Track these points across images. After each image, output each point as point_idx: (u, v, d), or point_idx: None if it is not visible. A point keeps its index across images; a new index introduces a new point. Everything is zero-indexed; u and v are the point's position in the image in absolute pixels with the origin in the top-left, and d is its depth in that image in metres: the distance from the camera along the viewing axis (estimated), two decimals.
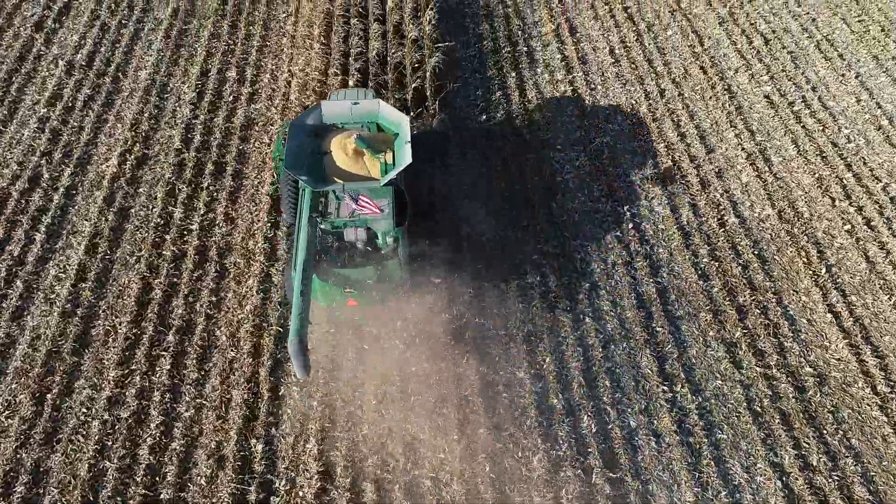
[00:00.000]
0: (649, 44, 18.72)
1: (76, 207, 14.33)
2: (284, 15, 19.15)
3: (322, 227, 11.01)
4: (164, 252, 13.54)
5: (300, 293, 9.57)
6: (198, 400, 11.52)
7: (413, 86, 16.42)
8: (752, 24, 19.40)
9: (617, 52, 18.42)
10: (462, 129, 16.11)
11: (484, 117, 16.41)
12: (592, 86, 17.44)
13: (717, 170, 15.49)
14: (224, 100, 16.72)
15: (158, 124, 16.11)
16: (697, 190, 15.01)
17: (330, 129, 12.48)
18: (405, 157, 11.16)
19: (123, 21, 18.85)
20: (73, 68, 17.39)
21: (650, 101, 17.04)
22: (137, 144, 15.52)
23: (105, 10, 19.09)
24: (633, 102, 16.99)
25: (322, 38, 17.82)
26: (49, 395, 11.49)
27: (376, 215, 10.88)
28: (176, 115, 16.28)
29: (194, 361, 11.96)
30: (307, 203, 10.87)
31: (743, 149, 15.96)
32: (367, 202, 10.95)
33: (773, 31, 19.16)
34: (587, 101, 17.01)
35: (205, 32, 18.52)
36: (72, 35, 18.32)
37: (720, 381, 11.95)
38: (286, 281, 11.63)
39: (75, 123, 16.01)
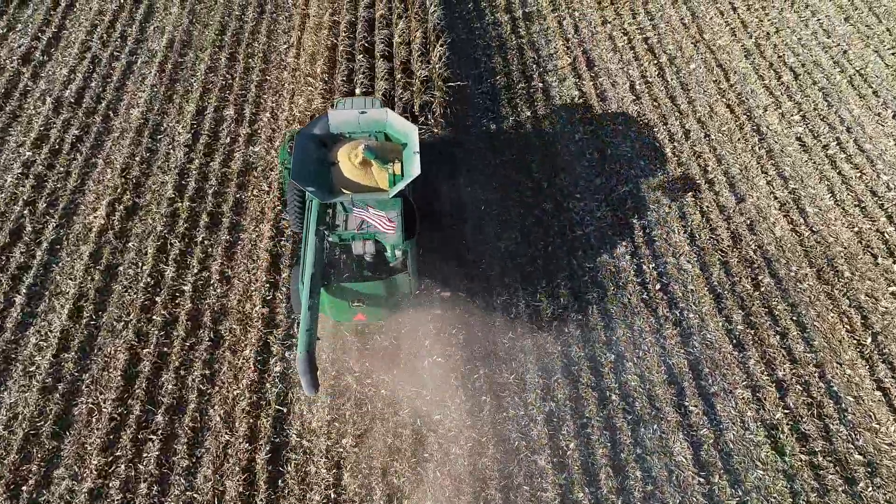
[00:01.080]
0: (672, 78, 17.65)
1: (60, 265, 13.31)
2: (285, 46, 18.12)
3: (330, 239, 10.75)
4: (153, 317, 12.52)
5: (308, 308, 9.36)
6: (188, 493, 10.49)
7: (419, 125, 15.41)
8: (779, 56, 18.34)
9: (638, 87, 17.36)
10: (474, 171, 15.08)
11: (497, 161, 15.37)
12: (612, 125, 16.38)
13: (748, 222, 14.43)
14: (221, 141, 15.69)
15: (150, 169, 15.09)
16: (728, 245, 13.95)
17: (337, 138, 12.17)
18: (414, 168, 10.90)
19: (116, 53, 17.83)
20: (62, 106, 16.38)
21: (674, 144, 15.98)
22: (127, 192, 14.50)
23: (97, 40, 18.08)
24: (657, 145, 15.93)
25: (325, 75, 16.77)
26: (25, 488, 10.48)
27: (388, 231, 10.57)
28: (169, 159, 15.26)
29: (185, 447, 10.93)
30: (314, 215, 10.68)
31: (775, 197, 14.90)
32: (375, 217, 10.66)
33: (803, 65, 18.09)
34: (605, 141, 15.95)
35: (201, 66, 17.50)
36: (61, 68, 17.31)
37: (761, 471, 10.90)
38: (292, 293, 11.28)
39: (62, 168, 15.00)
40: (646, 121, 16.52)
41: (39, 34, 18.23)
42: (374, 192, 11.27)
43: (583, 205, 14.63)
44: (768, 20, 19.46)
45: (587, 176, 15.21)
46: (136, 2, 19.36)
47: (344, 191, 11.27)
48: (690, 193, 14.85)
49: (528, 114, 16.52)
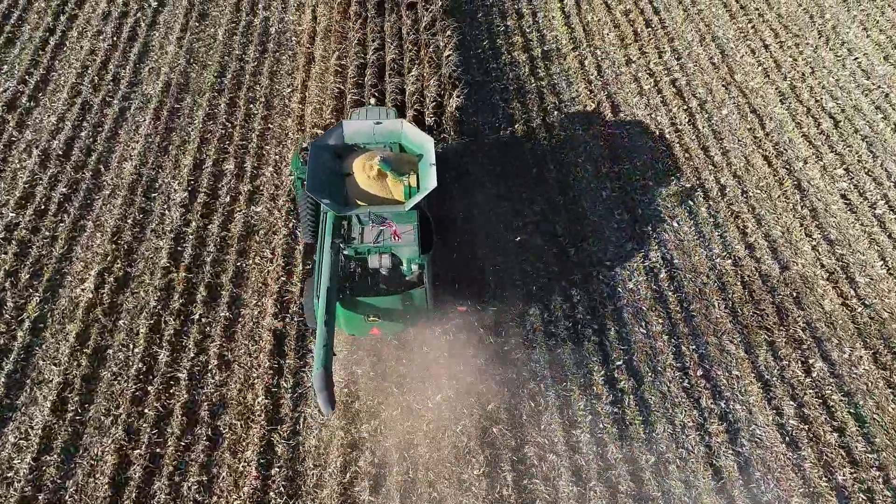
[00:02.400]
0: (703, 126, 16.48)
1: (44, 347, 12.14)
2: (289, 90, 16.94)
3: (346, 252, 10.62)
4: (145, 410, 11.34)
5: (324, 323, 9.25)
6: None
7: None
8: (817, 100, 17.16)
9: (668, 136, 16.19)
10: (493, 233, 13.92)
11: (518, 223, 14.19)
12: (642, 181, 15.21)
13: (794, 294, 13.27)
14: (220, 200, 14.52)
15: (144, 233, 13.92)
16: (774, 322, 12.78)
17: (351, 149, 11.97)
18: (430, 180, 10.73)
19: (108, 97, 16.65)
20: (49, 158, 15.21)
21: (710, 203, 14.80)
22: (118, 260, 13.33)
23: (87, 84, 16.91)
24: (691, 203, 14.76)
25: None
26: None
27: (396, 241, 10.57)
28: (164, 221, 14.09)
29: None
30: (329, 227, 10.59)
31: (822, 265, 13.73)
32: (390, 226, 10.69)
33: (842, 110, 16.92)
34: (635, 199, 14.78)
35: (199, 112, 16.32)
36: (48, 116, 16.13)
37: None
38: (306, 305, 11.25)
39: (47, 232, 13.83)
40: (677, 174, 15.35)
41: (27, 76, 17.05)
42: (390, 204, 11.07)
43: (613, 274, 13.46)
44: (803, 59, 18.29)
45: (617, 240, 14.03)
46: (129, 39, 18.20)
47: (359, 202, 11.09)
48: (730, 262, 13.67)
49: (551, 167, 15.34)
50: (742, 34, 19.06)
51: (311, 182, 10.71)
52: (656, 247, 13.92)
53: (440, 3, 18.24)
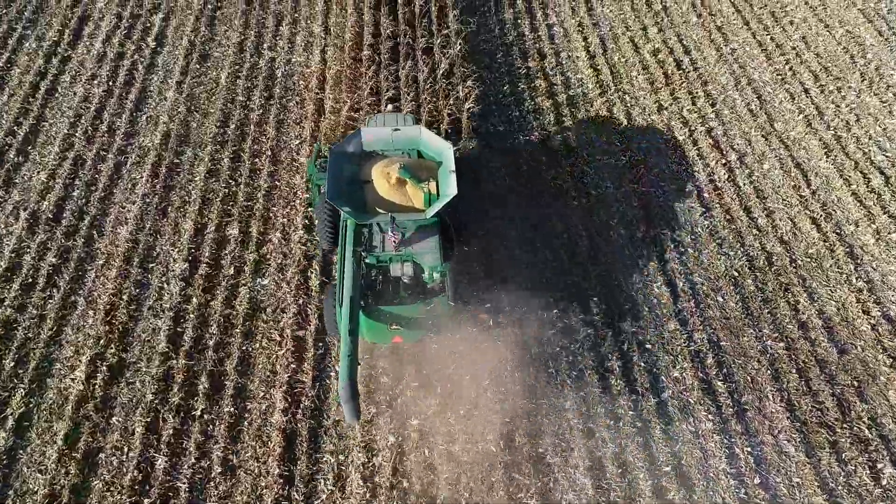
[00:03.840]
0: (744, 183, 15.28)
1: (29, 450, 10.92)
2: (297, 142, 15.74)
3: (367, 261, 10.62)
4: None
5: (348, 332, 9.27)
6: None
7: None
8: (864, 153, 15.96)
9: (707, 196, 15.00)
10: (525, 314, 12.73)
11: (546, 300, 12.98)
12: (681, 248, 14.02)
13: (855, 384, 12.08)
14: (223, 272, 13.32)
15: (140, 311, 12.72)
16: (836, 419, 11.59)
17: (370, 156, 11.86)
18: (451, 187, 10.66)
19: (102, 151, 15.46)
20: (38, 223, 14.02)
21: (756, 274, 13.61)
22: (113, 344, 12.13)
23: (80, 135, 15.72)
24: (736, 274, 13.57)
25: None
26: None
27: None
28: (163, 297, 12.89)
29: None
30: (350, 236, 10.56)
31: (883, 348, 12.54)
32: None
33: (893, 164, 15.72)
34: (675, 271, 13.58)
35: (200, 167, 15.12)
36: (38, 172, 14.94)
37: None
38: (327, 313, 11.36)
39: (35, 310, 12.63)
40: (719, 240, 14.15)
41: (15, 127, 15.86)
42: (410, 212, 10.93)
43: (655, 360, 12.26)
44: (846, 105, 17.09)
45: (657, 319, 12.83)
46: (126, 84, 17.00)
47: (378, 210, 10.96)
48: (783, 346, 12.48)
49: (583, 231, 14.13)
50: (779, 76, 17.87)
51: (331, 190, 10.67)
52: (701, 326, 12.73)
53: (458, 47, 17.05)
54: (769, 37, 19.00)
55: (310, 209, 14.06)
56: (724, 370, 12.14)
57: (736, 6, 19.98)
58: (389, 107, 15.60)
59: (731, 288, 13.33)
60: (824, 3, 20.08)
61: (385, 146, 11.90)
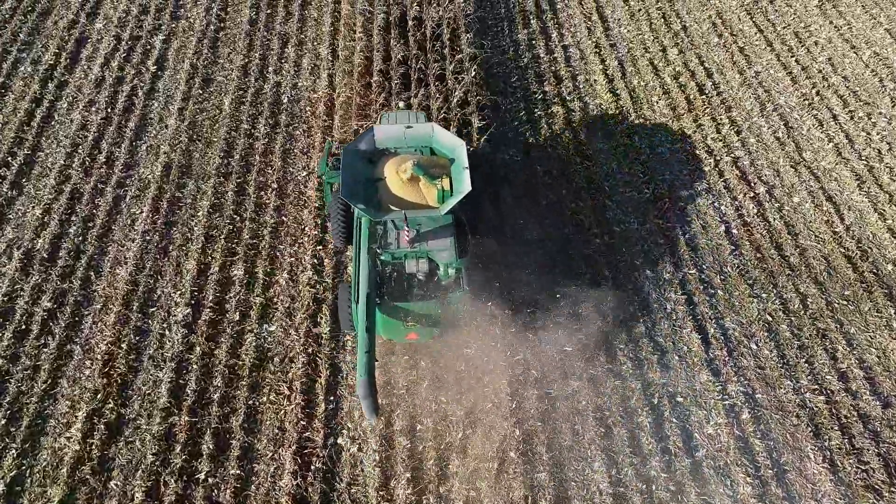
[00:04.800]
0: (774, 218, 14.56)
1: None
2: (305, 174, 15.03)
3: (382, 258, 10.63)
4: None
5: (365, 329, 9.30)
6: None
7: None
8: None
9: (735, 232, 14.28)
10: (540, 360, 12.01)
11: (574, 364, 12.26)
12: (710, 289, 13.30)
13: None
14: (228, 317, 12.60)
15: (140, 361, 11.99)
16: (883, 481, 10.84)
17: (382, 153, 11.94)
18: (464, 184, 10.76)
19: (100, 184, 14.74)
20: (32, 263, 13.30)
21: (791, 318, 12.89)
22: (111, 399, 11.41)
23: (77, 166, 15.00)
24: (770, 318, 12.85)
25: None
26: None
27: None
28: (164, 345, 12.17)
29: None
30: (365, 233, 10.64)
31: None
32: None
33: None
34: (705, 315, 12.86)
35: (203, 201, 14.40)
36: (33, 207, 14.23)
37: None
38: (341, 310, 11.37)
39: (28, 360, 11.90)
40: (750, 280, 13.43)
41: (9, 158, 15.14)
42: (424, 208, 10.99)
43: (688, 413, 11.52)
44: (877, 133, 16.36)
45: (688, 369, 12.10)
46: (125, 111, 16.28)
47: (392, 207, 10.97)
48: (822, 397, 11.75)
49: (606, 271, 13.39)
50: (806, 101, 17.15)
51: (345, 188, 10.73)
52: (735, 377, 12.01)
53: (473, 74, 16.33)
54: (794, 59, 18.28)
55: (322, 212, 13.93)
56: (762, 426, 11.42)
57: (758, 26, 19.26)
58: (401, 104, 15.27)
59: (765, 334, 12.60)
60: (849, 23, 19.37)
61: (398, 143, 11.96)
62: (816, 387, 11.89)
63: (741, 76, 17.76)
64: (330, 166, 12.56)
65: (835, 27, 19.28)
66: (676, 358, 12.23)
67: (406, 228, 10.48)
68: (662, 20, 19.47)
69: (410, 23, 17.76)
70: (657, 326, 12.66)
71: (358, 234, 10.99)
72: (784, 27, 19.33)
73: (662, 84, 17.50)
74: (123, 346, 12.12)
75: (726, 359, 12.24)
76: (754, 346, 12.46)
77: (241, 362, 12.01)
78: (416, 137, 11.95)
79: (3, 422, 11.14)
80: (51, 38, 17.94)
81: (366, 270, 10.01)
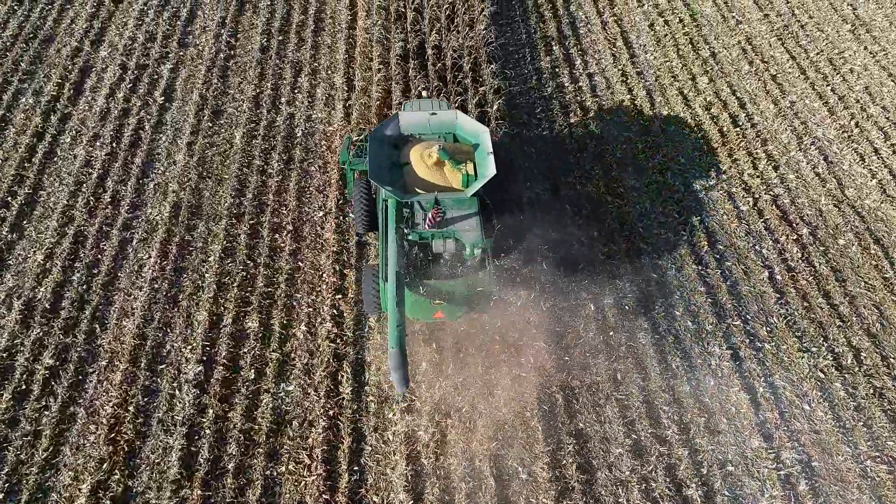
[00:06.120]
0: (819, 262, 13.75)
1: None
2: (322, 214, 14.22)
3: (409, 238, 10.92)
4: None
5: (395, 304, 9.54)
6: None
7: None
8: None
9: (779, 277, 13.46)
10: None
11: (615, 429, 11.42)
12: (757, 343, 12.46)
13: None
14: (242, 374, 11.77)
15: (149, 425, 11.15)
16: None
17: (407, 139, 12.33)
18: (489, 168, 11.21)
19: (105, 225, 13.93)
20: (33, 314, 12.49)
21: (844, 375, 12.05)
22: (117, 469, 10.56)
23: (81, 206, 14.20)
24: (822, 375, 12.01)
25: (375, 266, 12.87)
26: None
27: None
28: (174, 407, 11.32)
29: None
30: (392, 214, 10.94)
31: None
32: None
33: None
34: (752, 372, 12.01)
35: (215, 245, 13.60)
36: (34, 252, 13.42)
37: None
38: (365, 292, 11.61)
39: (28, 425, 11.06)
40: (798, 332, 12.59)
41: (9, 198, 14.35)
42: (450, 191, 11.39)
43: (741, 483, 10.66)
44: None
45: (738, 432, 11.24)
46: (131, 146, 15.49)
47: (418, 190, 11.39)
48: (884, 466, 10.89)
49: (646, 325, 12.56)
50: (845, 133, 16.36)
51: (373, 171, 11.22)
52: (789, 442, 11.16)
53: (496, 106, 15.52)
54: (829, 87, 17.51)
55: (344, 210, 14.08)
56: (821, 499, 10.56)
57: (790, 52, 18.49)
58: (424, 93, 15.41)
59: (818, 393, 11.76)
60: (885, 49, 18.60)
61: (422, 130, 12.39)
62: (877, 454, 11.05)
63: (775, 106, 16.98)
64: (352, 155, 12.95)
65: (870, 53, 18.52)
66: (724, 420, 11.38)
67: (437, 206, 10.89)
68: (690, 46, 18.71)
69: (430, 52, 16.99)
70: (702, 385, 11.81)
71: (384, 216, 11.30)
72: (817, 53, 18.56)
73: (693, 115, 16.71)
74: (130, 408, 11.29)
75: (778, 421, 11.40)
76: (807, 407, 11.61)
77: (257, 426, 11.16)
78: (439, 124, 12.39)
79: (0, 496, 10.32)
80: (53, 67, 17.18)
81: (393, 249, 10.24)
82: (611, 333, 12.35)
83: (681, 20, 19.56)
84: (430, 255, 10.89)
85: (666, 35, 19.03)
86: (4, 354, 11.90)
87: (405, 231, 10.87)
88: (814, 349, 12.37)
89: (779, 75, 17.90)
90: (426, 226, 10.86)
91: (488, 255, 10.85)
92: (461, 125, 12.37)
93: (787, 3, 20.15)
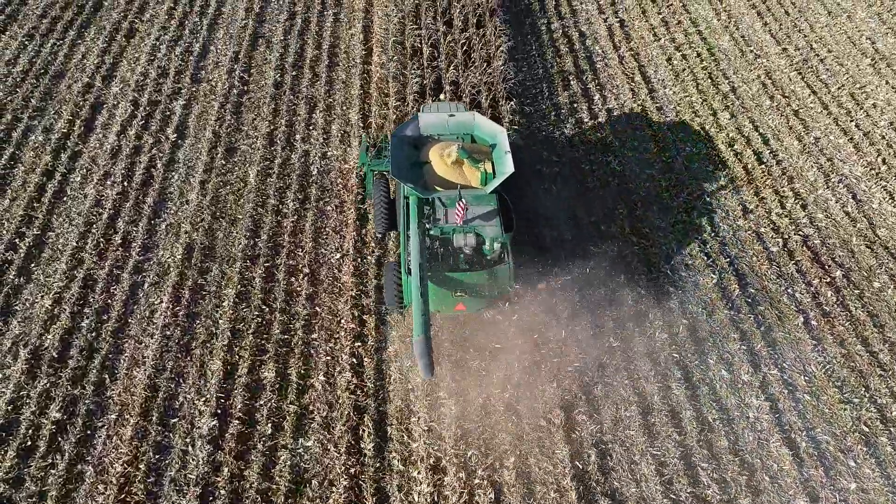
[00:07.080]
0: (855, 307, 13.28)
1: None
2: (338, 256, 13.78)
3: (431, 233, 11.33)
4: None
5: (420, 294, 9.92)
6: None
7: None
8: None
9: (814, 323, 12.98)
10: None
11: (651, 488, 10.87)
12: (795, 394, 11.93)
13: None
14: (259, 429, 11.22)
15: (161, 485, 10.58)
16: None
17: (426, 140, 12.79)
18: (507, 166, 11.69)
19: (116, 269, 13.48)
20: (40, 364, 11.96)
21: (890, 428, 11.50)
22: None
23: (91, 248, 13.77)
24: (866, 429, 11.45)
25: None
26: None
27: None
28: (187, 465, 10.75)
29: None
30: (413, 211, 11.35)
31: None
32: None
33: None
34: (793, 425, 11.45)
35: (229, 290, 13.13)
36: (42, 298, 12.94)
37: None
38: (387, 287, 12.05)
39: (34, 486, 10.47)
40: (838, 382, 12.04)
41: (17, 239, 13.93)
42: (471, 189, 11.79)
43: None
44: None
45: (781, 490, 10.66)
46: (143, 185, 15.11)
47: (437, 188, 11.88)
48: None
49: (678, 374, 12.05)
50: (872, 171, 16.00)
51: (395, 169, 11.73)
52: (834, 499, 10.58)
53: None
54: (853, 123, 17.19)
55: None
56: None
57: (811, 87, 18.22)
58: (442, 95, 15.91)
59: (863, 448, 11.21)
60: None
61: (440, 131, 12.87)
62: None
63: (800, 143, 16.63)
64: (371, 156, 13.55)
65: (892, 87, 18.23)
66: (766, 479, 10.81)
67: (462, 200, 11.09)
68: (709, 80, 18.45)
69: (447, 88, 16.70)
70: (741, 439, 11.26)
71: (405, 212, 11.72)
72: (838, 88, 18.29)
73: (717, 153, 16.37)
74: (141, 465, 10.72)
75: (823, 479, 10.82)
76: (853, 464, 11.05)
77: (274, 486, 10.59)
78: (458, 125, 12.90)
79: None
80: (64, 103, 16.88)
81: (416, 243, 10.63)
82: (642, 382, 11.83)
83: (698, 54, 19.35)
84: (450, 249, 11.28)
85: (684, 69, 18.78)
86: (9, 407, 11.36)
87: (427, 227, 11.30)
88: (855, 400, 11.85)
89: (801, 110, 17.60)
90: (458, 220, 11.18)
91: (507, 249, 11.19)
92: (479, 126, 12.90)
93: (805, 37, 19.95)
